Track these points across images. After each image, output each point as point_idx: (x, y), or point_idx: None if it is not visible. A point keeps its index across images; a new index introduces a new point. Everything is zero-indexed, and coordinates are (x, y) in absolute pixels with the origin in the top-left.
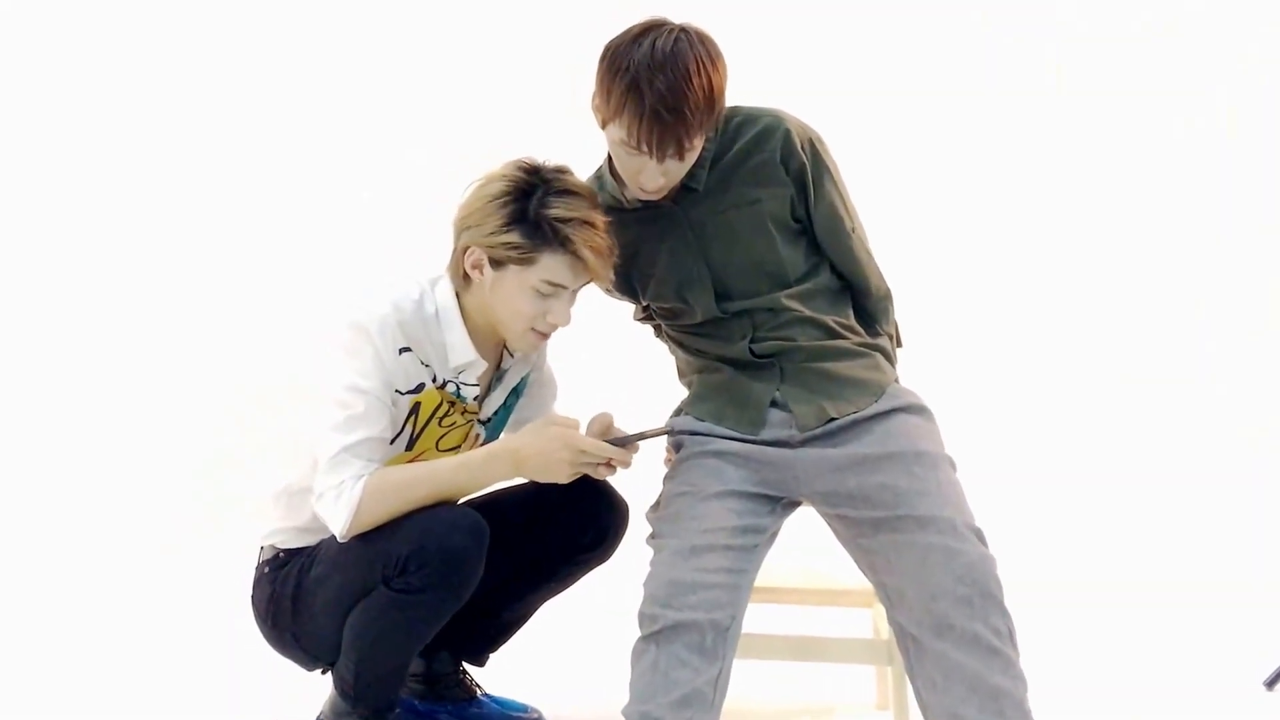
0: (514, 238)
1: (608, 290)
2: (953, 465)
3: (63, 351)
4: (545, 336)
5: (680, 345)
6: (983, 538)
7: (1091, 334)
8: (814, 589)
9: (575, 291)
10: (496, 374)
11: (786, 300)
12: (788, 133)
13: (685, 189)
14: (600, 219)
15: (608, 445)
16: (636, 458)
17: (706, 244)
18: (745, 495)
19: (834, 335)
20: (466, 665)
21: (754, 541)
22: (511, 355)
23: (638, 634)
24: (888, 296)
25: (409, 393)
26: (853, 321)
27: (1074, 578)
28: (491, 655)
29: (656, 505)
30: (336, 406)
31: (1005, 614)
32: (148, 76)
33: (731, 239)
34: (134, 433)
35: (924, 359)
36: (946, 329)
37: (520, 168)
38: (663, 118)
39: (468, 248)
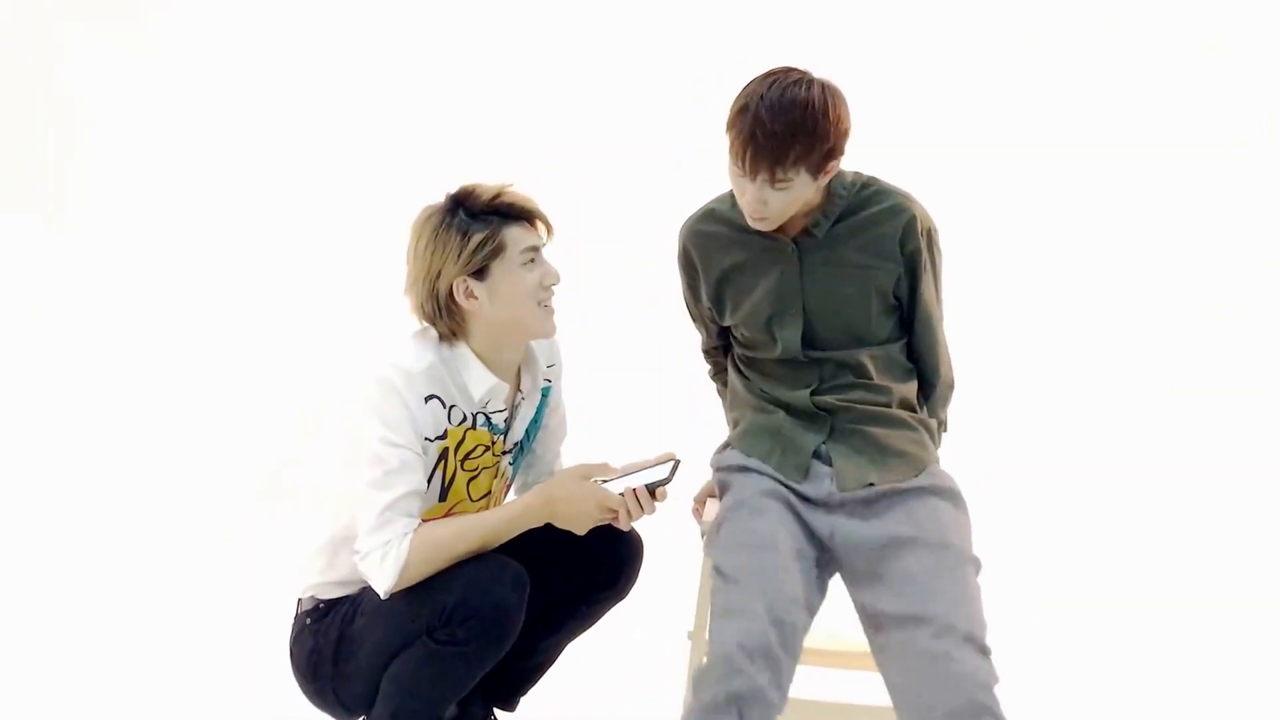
0: (478, 236)
1: (694, 306)
2: (977, 567)
3: (155, 363)
4: (552, 309)
5: (744, 378)
6: (986, 651)
7: (1136, 344)
8: (855, 652)
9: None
10: (514, 399)
11: (859, 360)
12: (913, 218)
13: (806, 232)
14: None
15: (633, 497)
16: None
17: (810, 287)
18: (807, 558)
19: (890, 404)
20: (498, 712)
21: (809, 617)
22: (520, 388)
23: (689, 692)
24: (951, 386)
25: (437, 439)
26: (912, 397)
27: (1129, 595)
28: (521, 700)
29: (716, 537)
30: (372, 463)
31: None
32: (242, 103)
33: (833, 292)
34: (208, 438)
35: (966, 372)
36: (989, 333)
37: (431, 206)
38: (758, 139)
39: (451, 286)
